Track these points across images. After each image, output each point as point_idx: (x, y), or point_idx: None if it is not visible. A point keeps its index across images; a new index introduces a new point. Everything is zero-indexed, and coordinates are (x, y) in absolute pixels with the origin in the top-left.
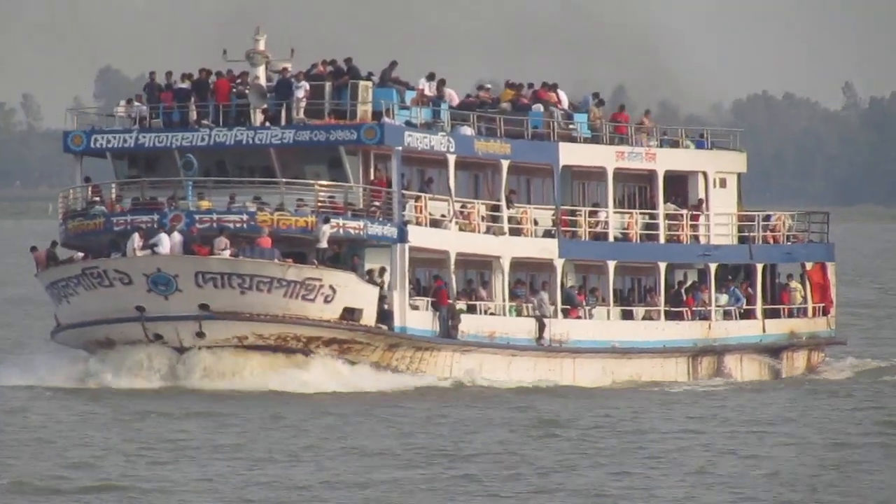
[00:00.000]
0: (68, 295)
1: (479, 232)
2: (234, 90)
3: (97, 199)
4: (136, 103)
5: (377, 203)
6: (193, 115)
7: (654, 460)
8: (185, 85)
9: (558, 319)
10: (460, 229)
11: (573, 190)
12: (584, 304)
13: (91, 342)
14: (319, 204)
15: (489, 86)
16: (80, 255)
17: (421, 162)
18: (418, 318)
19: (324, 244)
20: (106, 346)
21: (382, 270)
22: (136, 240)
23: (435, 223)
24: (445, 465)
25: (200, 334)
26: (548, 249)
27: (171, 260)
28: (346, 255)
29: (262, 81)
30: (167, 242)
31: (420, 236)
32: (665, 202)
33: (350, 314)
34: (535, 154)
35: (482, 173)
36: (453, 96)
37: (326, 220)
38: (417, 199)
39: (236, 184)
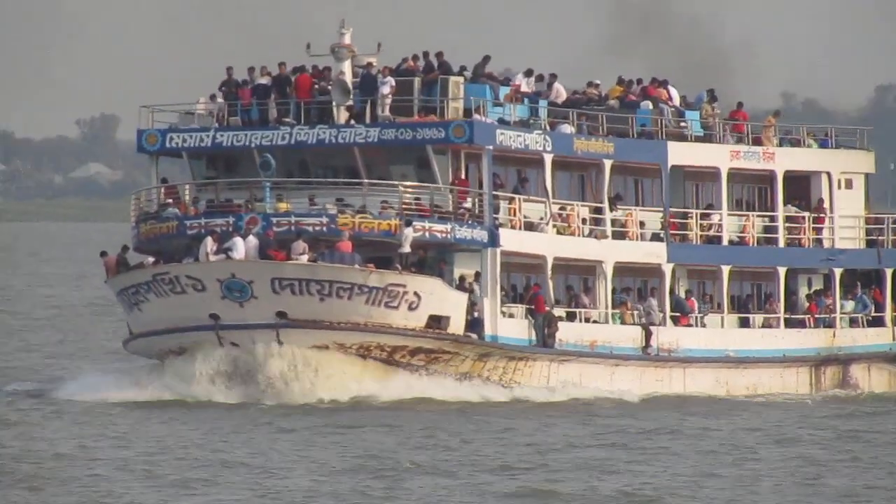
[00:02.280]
0: (139, 302)
1: (579, 235)
2: (317, 86)
3: (170, 200)
4: (220, 100)
5: (466, 205)
6: (274, 113)
7: None
8: (265, 81)
9: (667, 327)
10: (558, 232)
11: (685, 191)
12: (695, 310)
13: (164, 351)
14: (404, 206)
15: (598, 82)
16: (151, 260)
17: (516, 162)
18: (511, 327)
19: (406, 248)
20: (178, 354)
21: (477, 276)
22: (210, 244)
23: (530, 226)
24: None
25: (279, 343)
26: (655, 254)
27: (246, 265)
28: (432, 260)
29: (348, 77)
30: (242, 246)
31: (513, 240)
32: (785, 204)
33: (437, 322)
34: (641, 153)
35: (585, 174)
36: (561, 92)
37: (409, 224)
38: (511, 200)
39: (316, 184)
